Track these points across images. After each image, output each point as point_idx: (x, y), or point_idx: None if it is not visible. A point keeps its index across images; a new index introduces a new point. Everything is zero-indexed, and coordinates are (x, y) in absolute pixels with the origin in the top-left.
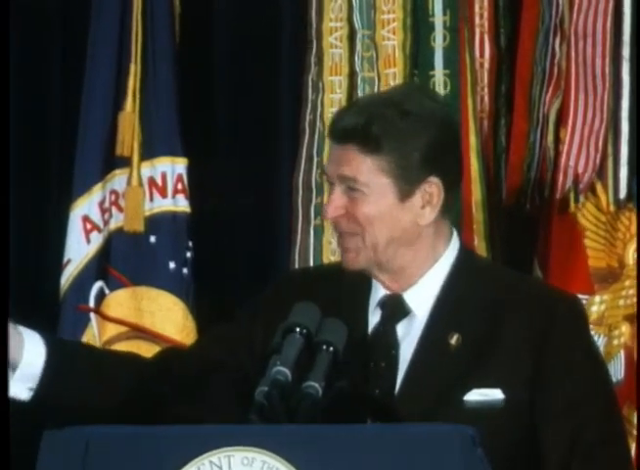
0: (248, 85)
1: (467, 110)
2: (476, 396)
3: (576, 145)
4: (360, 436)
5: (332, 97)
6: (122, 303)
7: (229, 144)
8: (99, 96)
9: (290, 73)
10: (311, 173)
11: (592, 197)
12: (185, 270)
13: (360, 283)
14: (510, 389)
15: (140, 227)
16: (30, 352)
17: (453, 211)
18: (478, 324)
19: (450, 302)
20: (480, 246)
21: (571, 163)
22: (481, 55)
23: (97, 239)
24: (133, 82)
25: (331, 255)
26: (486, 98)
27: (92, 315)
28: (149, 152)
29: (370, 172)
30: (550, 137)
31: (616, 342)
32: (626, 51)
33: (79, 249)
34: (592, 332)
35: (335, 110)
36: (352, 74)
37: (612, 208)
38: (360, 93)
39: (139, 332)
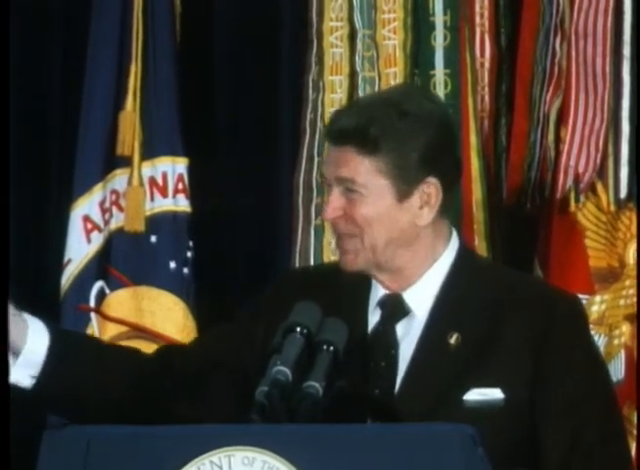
0: (248, 85)
1: (467, 109)
2: (476, 395)
3: (577, 144)
4: (360, 436)
5: (332, 97)
6: (123, 302)
7: (229, 144)
8: (99, 96)
9: (290, 73)
10: (312, 173)
11: (593, 196)
12: (185, 270)
13: (360, 283)
14: (510, 388)
15: (141, 227)
16: (34, 340)
17: (452, 211)
18: (477, 324)
19: (450, 301)
20: (480, 245)
21: (572, 162)
22: (482, 54)
23: (97, 239)
24: (134, 81)
25: (331, 255)
26: (487, 97)
27: (92, 315)
28: (149, 151)
29: (368, 173)
30: (550, 137)
31: (616, 341)
32: (627, 50)
33: (80, 248)
34: (592, 332)
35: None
36: (353, 74)
37: (612, 207)
38: (361, 93)
39: (139, 332)
